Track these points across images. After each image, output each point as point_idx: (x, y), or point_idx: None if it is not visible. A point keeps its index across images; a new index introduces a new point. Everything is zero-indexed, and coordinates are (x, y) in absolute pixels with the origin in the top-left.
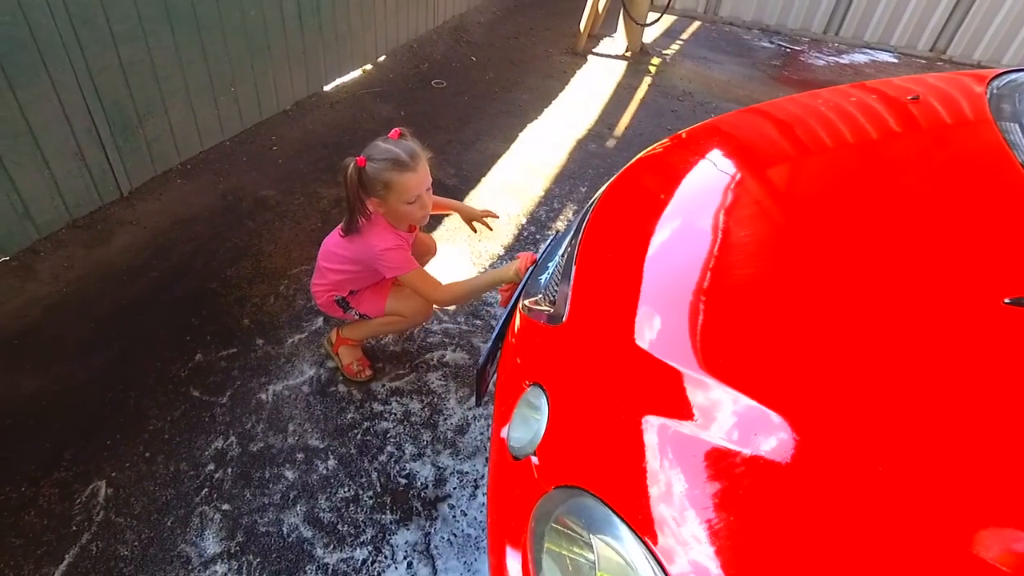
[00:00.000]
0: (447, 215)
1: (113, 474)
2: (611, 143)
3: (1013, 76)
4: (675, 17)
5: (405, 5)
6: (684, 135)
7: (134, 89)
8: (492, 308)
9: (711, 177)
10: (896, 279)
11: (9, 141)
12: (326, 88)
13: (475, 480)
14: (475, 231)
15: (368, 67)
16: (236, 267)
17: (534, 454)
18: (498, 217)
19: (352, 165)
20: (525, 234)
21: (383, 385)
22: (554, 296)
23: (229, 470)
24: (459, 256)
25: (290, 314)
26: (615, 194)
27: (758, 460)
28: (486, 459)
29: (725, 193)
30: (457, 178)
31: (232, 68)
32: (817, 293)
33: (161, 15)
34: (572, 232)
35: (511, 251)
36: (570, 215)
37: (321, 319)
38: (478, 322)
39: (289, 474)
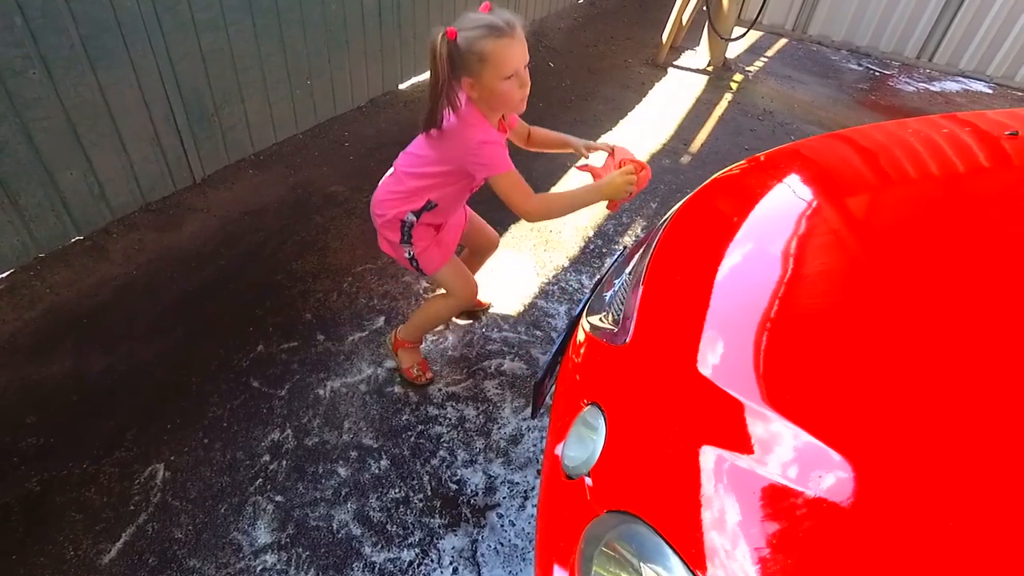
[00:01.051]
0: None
1: (172, 458)
2: (686, 159)
3: None
4: (761, 33)
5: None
6: (763, 158)
7: (212, 78)
8: (554, 320)
9: (788, 203)
10: (972, 323)
11: (89, 122)
12: (401, 86)
13: (525, 491)
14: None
15: None
16: (302, 260)
17: (588, 475)
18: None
19: (441, 36)
20: (591, 247)
21: (440, 389)
22: (619, 314)
23: (284, 462)
24: (522, 265)
25: (352, 311)
26: (688, 215)
27: (819, 502)
28: (537, 471)
29: (800, 221)
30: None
31: (309, 62)
32: (889, 331)
33: (244, 5)
34: (642, 251)
35: (578, 265)
36: (639, 230)
37: (382, 319)
38: (538, 333)
39: (342, 471)
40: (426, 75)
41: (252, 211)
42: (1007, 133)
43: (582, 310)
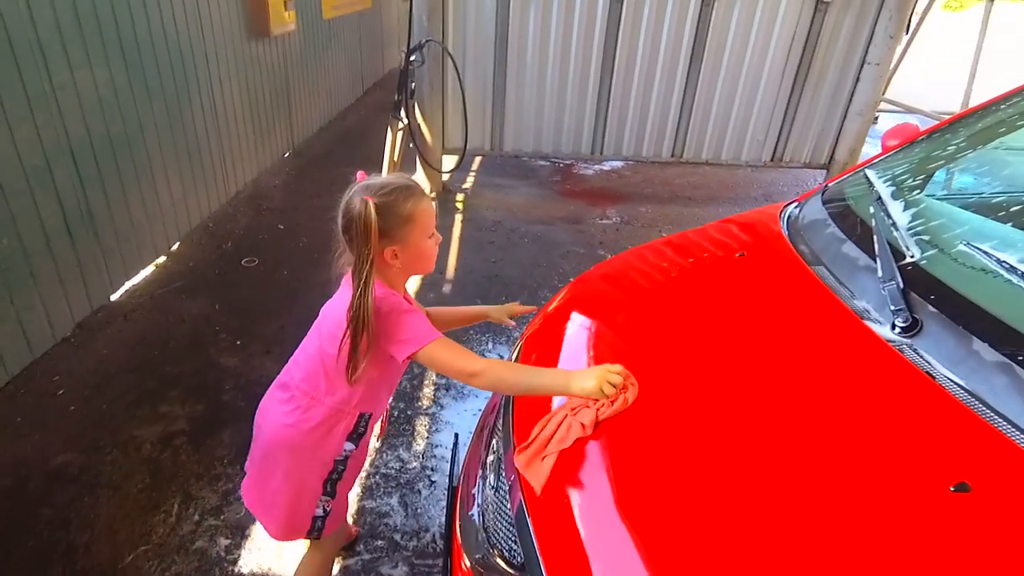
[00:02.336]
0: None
1: None
2: (447, 288)
3: (789, 210)
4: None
5: (192, 184)
6: (552, 307)
7: None
8: (391, 519)
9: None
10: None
11: None
12: (114, 297)
13: None
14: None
15: (162, 260)
16: None
17: None
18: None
19: (365, 204)
20: (397, 413)
21: None
22: (512, 550)
23: None
24: None
25: None
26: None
27: None
28: None
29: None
30: None
31: None
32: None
33: None
34: (494, 441)
35: (392, 441)
36: (433, 378)
37: None
38: (380, 543)
39: None
40: (142, 275)
41: None
42: (737, 255)
43: (451, 524)
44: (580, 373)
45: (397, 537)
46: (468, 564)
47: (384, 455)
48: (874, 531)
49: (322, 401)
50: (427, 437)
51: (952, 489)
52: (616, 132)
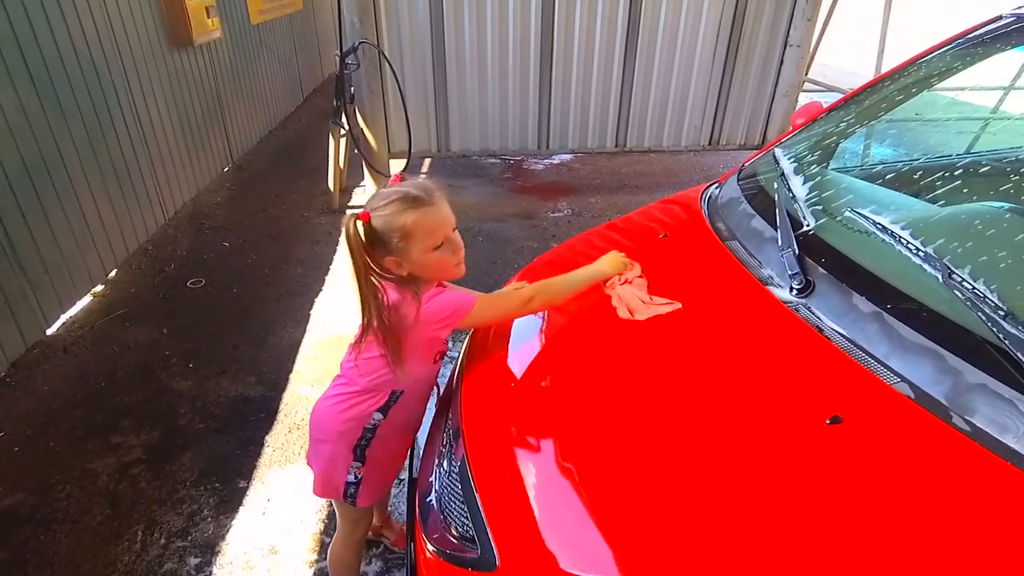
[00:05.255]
0: None
1: None
2: None
3: (710, 191)
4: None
5: (124, 208)
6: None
7: None
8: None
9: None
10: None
11: None
12: (51, 331)
13: None
14: None
15: (100, 289)
16: None
17: None
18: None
19: (353, 221)
20: None
21: None
22: (465, 527)
23: None
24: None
25: None
26: (478, 375)
27: None
28: None
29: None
30: (262, 385)
31: None
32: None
33: None
34: (445, 427)
35: None
36: None
37: None
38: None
39: None
40: (79, 306)
41: None
42: (661, 236)
43: (412, 511)
44: (598, 263)
45: (370, 534)
46: (429, 547)
47: None
48: (762, 456)
49: (359, 382)
50: None
51: (828, 422)
52: (560, 125)
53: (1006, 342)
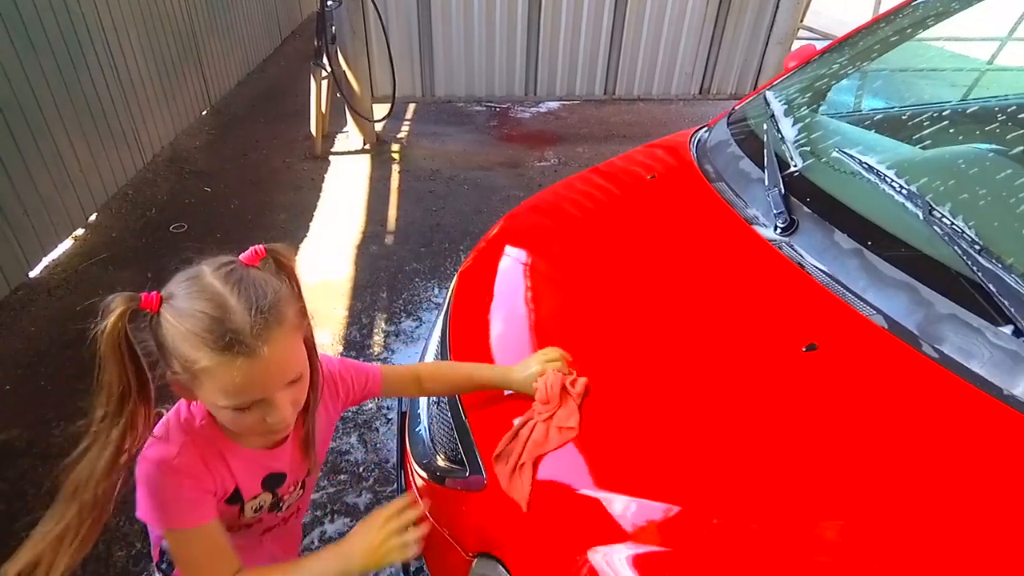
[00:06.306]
0: None
1: None
2: (389, 240)
3: (699, 135)
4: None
5: (100, 149)
6: (493, 234)
7: None
8: (352, 455)
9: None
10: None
11: None
12: (33, 274)
13: None
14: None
15: (80, 232)
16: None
17: None
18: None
19: (120, 307)
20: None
21: None
22: (454, 451)
23: None
24: None
25: None
26: (461, 312)
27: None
28: None
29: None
30: None
31: None
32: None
33: None
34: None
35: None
36: (383, 326)
37: None
38: (343, 477)
39: None
40: (61, 250)
41: None
42: (649, 176)
43: (402, 443)
44: (356, 545)
45: (359, 470)
46: (419, 472)
47: None
48: (742, 379)
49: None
50: None
51: (804, 349)
52: (548, 72)
53: (979, 275)
